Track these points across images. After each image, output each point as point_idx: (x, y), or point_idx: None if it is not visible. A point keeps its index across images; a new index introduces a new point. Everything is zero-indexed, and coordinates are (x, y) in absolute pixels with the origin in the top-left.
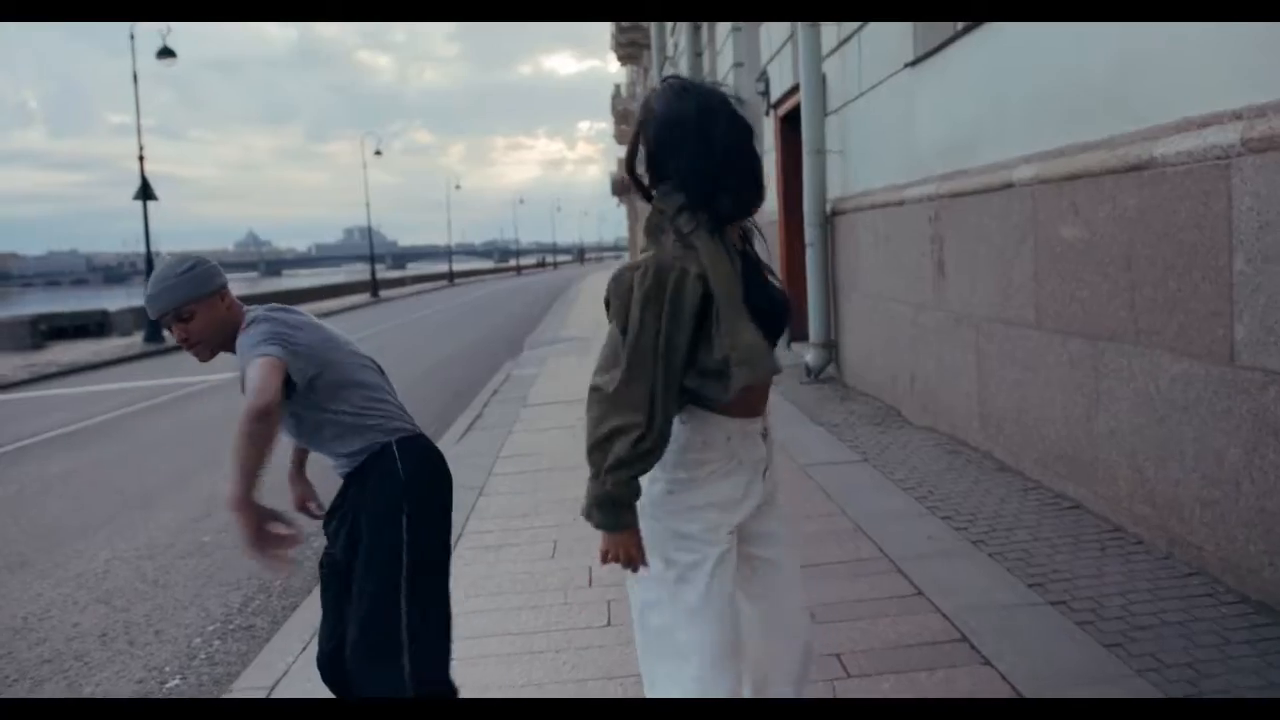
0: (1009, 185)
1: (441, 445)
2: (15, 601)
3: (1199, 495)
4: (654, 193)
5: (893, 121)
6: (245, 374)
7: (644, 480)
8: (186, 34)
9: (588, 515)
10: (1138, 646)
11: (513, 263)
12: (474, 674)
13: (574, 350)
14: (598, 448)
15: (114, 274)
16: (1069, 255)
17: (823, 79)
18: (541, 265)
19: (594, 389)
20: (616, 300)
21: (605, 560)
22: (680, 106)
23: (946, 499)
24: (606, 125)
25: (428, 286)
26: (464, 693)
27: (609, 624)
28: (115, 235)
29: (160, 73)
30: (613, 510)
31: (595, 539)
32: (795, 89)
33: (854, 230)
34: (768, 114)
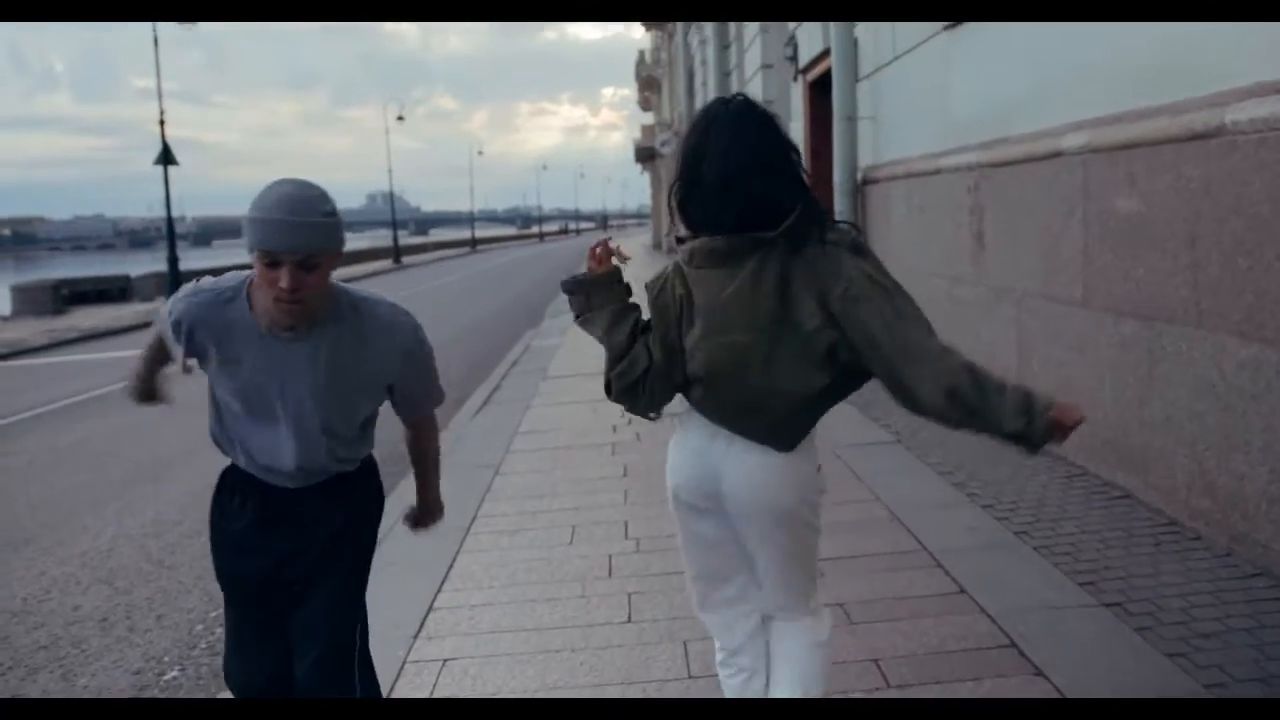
0: (1056, 154)
1: (457, 420)
2: (17, 581)
3: (1266, 490)
4: None
5: (929, 87)
6: (422, 372)
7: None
8: None
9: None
10: (1203, 657)
11: (535, 229)
12: (487, 675)
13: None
14: None
15: (139, 239)
16: (1123, 229)
17: (854, 43)
18: (564, 232)
19: None
20: None
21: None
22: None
23: (986, 485)
24: (630, 92)
25: (450, 253)
26: (477, 695)
27: (629, 620)
28: (141, 200)
29: (184, 37)
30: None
31: (615, 525)
32: (825, 54)
33: (886, 200)
34: (795, 79)
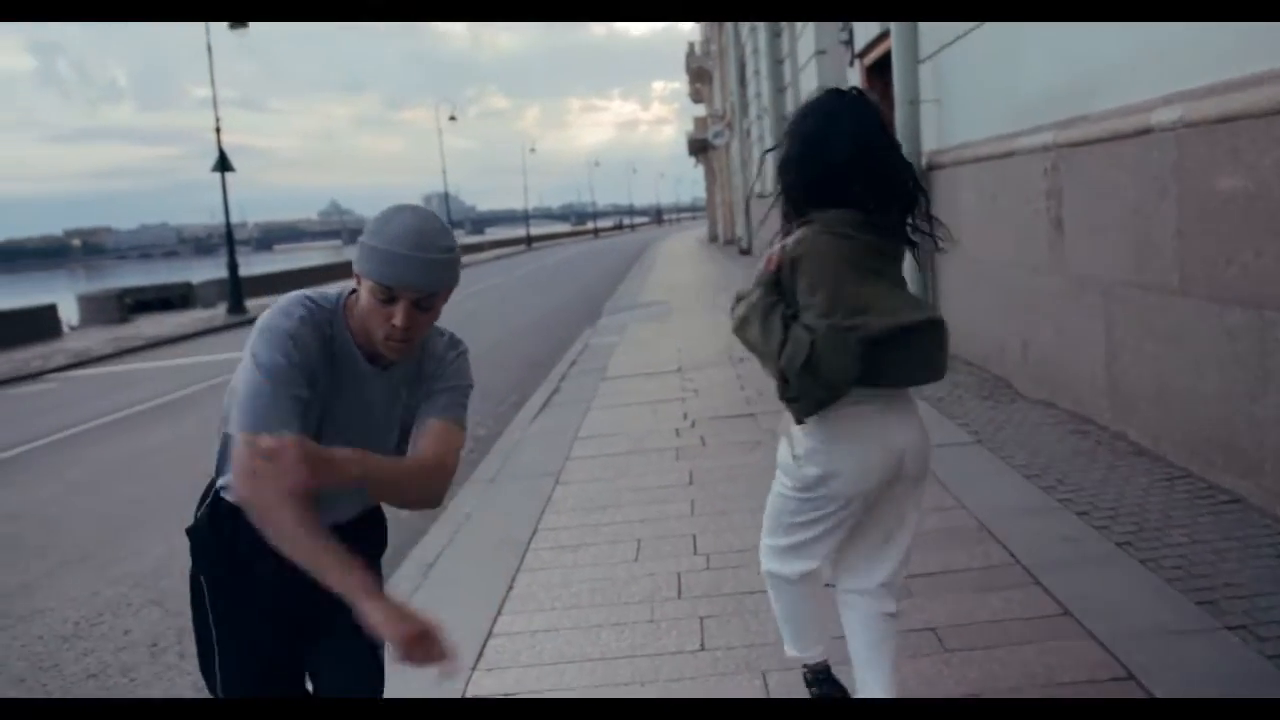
0: (1146, 130)
1: (516, 423)
2: (70, 602)
3: None
4: None
5: (997, 65)
6: (454, 414)
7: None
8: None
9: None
10: None
11: (590, 225)
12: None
13: (654, 317)
14: None
15: (203, 245)
16: (1226, 211)
17: (915, 23)
18: (618, 228)
19: None
20: None
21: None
22: None
23: (1079, 489)
24: (681, 85)
25: (505, 251)
26: None
27: (702, 647)
28: (203, 207)
29: (239, 45)
30: None
31: (683, 539)
32: (883, 36)
33: (953, 186)
34: (851, 64)
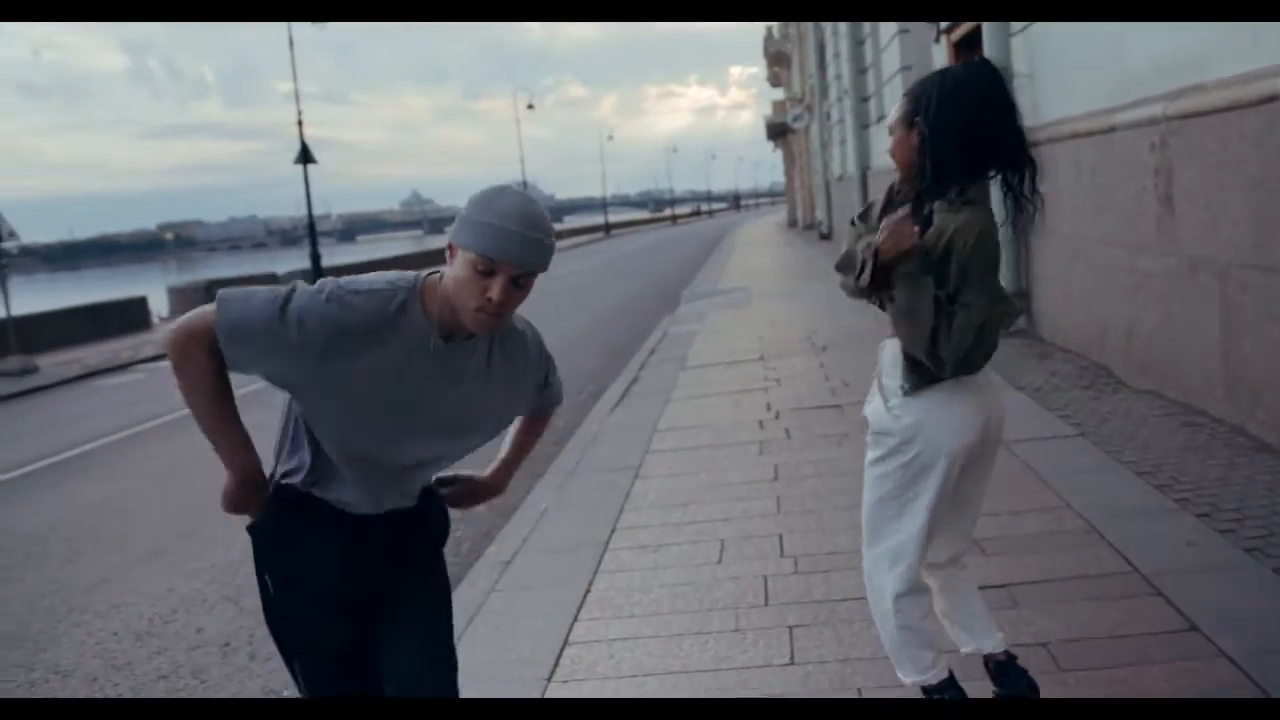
0: (1269, 99)
1: (594, 414)
2: (146, 598)
3: None
4: None
5: (1097, 36)
6: (556, 380)
7: None
8: None
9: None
10: None
11: (668, 212)
12: None
13: (734, 304)
14: None
15: (289, 237)
16: None
17: None
18: (696, 214)
19: None
20: None
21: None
22: None
23: (1197, 488)
24: (758, 69)
25: (584, 239)
26: None
27: (792, 660)
28: (289, 200)
29: (320, 40)
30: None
31: (769, 540)
32: None
33: (1050, 164)
34: (937, 40)
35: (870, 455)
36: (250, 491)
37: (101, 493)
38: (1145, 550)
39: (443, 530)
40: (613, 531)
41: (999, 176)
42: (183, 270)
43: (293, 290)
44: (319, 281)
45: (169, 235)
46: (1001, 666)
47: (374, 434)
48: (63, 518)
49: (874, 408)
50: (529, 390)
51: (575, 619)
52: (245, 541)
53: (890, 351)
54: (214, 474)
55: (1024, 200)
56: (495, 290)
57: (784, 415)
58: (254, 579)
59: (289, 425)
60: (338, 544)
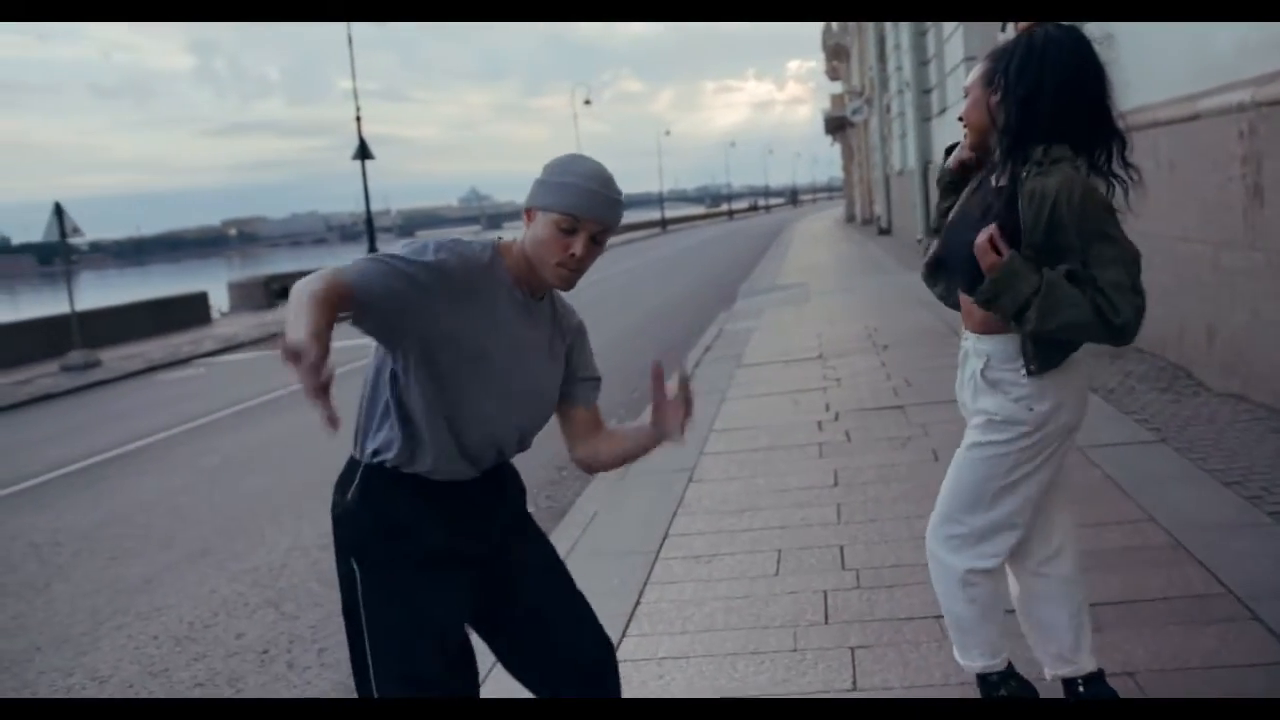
0: None
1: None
2: (189, 599)
3: None
4: None
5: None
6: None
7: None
8: None
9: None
10: None
11: (724, 207)
12: None
13: (792, 300)
14: None
15: (349, 233)
16: None
17: None
18: (754, 209)
19: None
20: None
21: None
22: None
23: None
24: (816, 63)
25: (640, 234)
26: None
27: (854, 686)
28: (349, 196)
29: (382, 37)
30: None
31: (828, 551)
32: None
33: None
34: (1004, 30)
35: (982, 438)
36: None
37: (154, 489)
38: (1237, 569)
39: (522, 488)
40: (664, 539)
41: (1084, 155)
42: (246, 265)
43: (398, 256)
44: (417, 242)
45: (233, 231)
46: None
47: (476, 386)
48: (115, 514)
49: (995, 401)
50: (567, 355)
51: (624, 634)
52: (290, 543)
53: (992, 345)
54: (262, 473)
55: (1114, 178)
56: (578, 246)
57: (844, 416)
58: (297, 583)
59: (375, 405)
60: (439, 511)
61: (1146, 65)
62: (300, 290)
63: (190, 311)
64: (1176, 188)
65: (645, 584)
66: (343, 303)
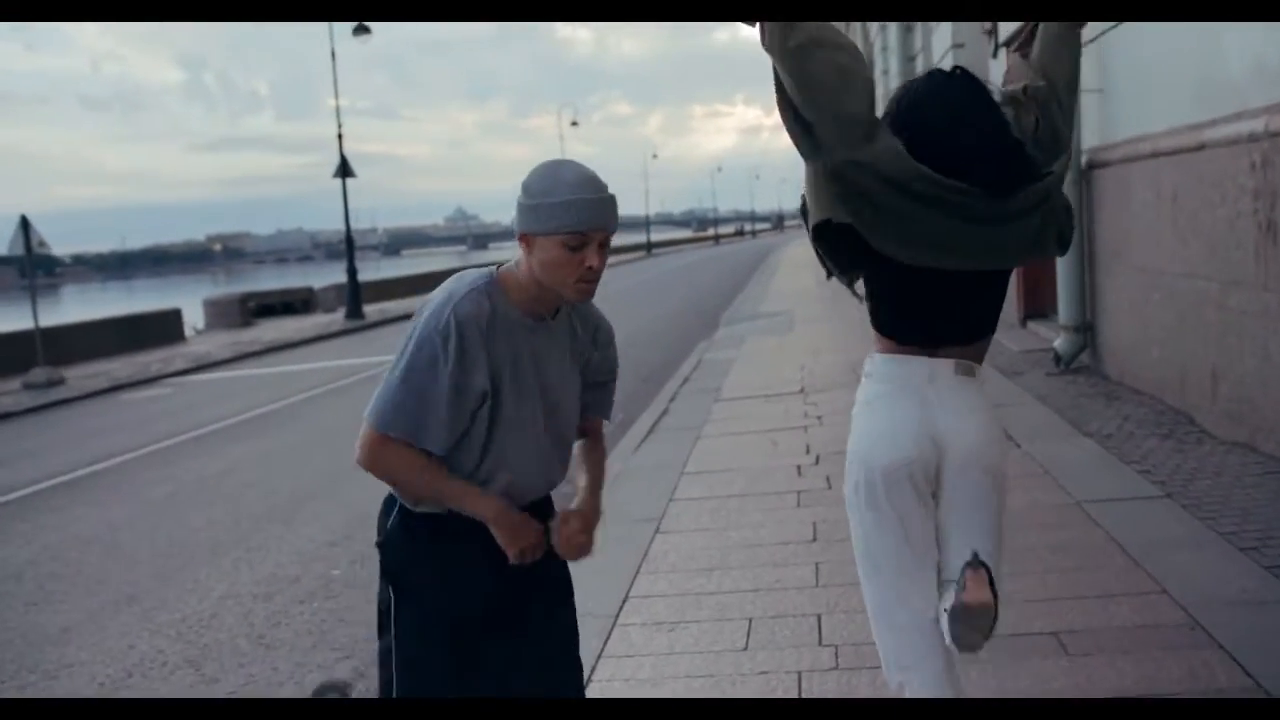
0: None
1: (618, 452)
2: (103, 655)
3: None
4: None
5: (1183, 42)
6: (615, 365)
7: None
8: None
9: None
10: None
11: (711, 232)
12: None
13: (775, 329)
14: None
15: (334, 250)
16: None
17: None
18: (740, 234)
19: None
20: None
21: None
22: None
23: None
24: None
25: (625, 258)
26: None
27: None
28: (336, 213)
29: (373, 55)
30: None
31: (804, 622)
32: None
33: (1123, 186)
34: (995, 55)
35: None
36: (509, 525)
37: (96, 522)
38: (1268, 657)
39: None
40: (624, 601)
41: None
42: (231, 281)
43: (418, 355)
44: (422, 332)
45: (217, 246)
46: None
47: (517, 422)
48: (49, 550)
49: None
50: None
51: None
52: (222, 592)
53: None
54: (213, 505)
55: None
56: (593, 259)
57: (825, 460)
58: (224, 639)
59: None
60: (485, 555)
61: (1147, 92)
62: (441, 493)
63: (163, 328)
64: (1180, 221)
65: (600, 656)
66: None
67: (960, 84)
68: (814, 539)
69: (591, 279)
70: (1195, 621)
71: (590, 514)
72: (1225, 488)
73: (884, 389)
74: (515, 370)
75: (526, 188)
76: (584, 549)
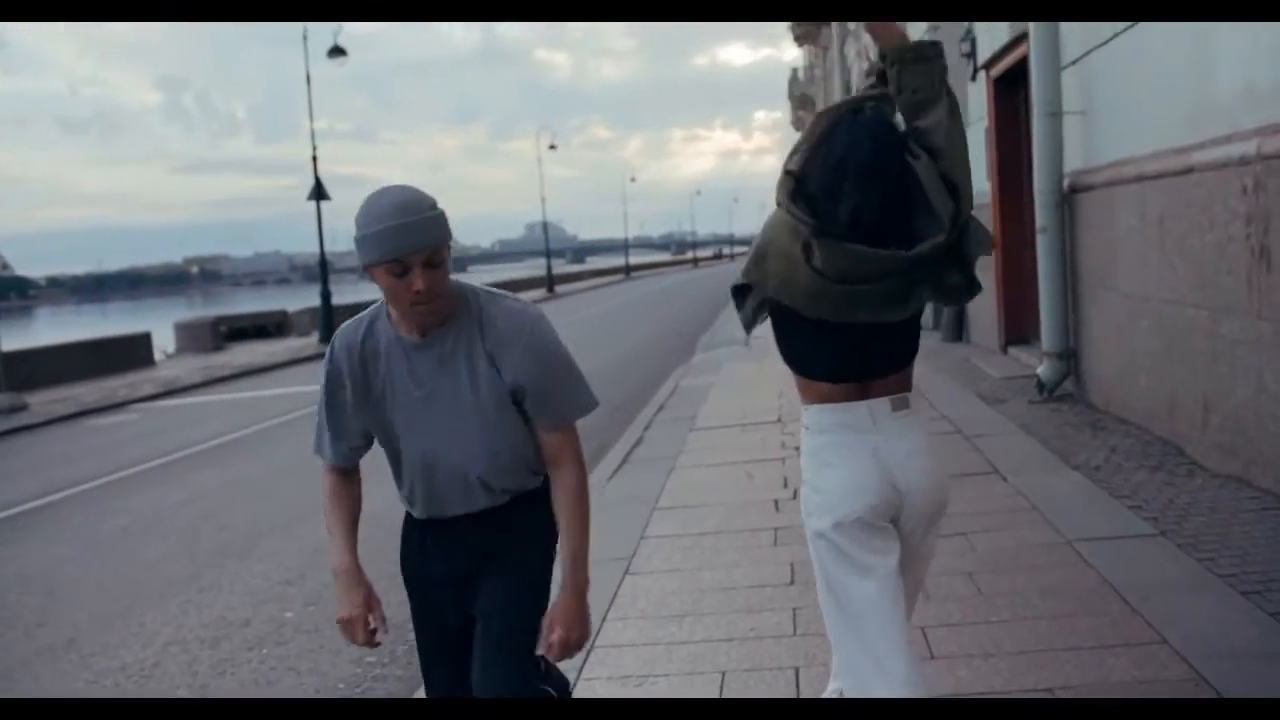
0: None
1: (592, 484)
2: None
3: None
4: None
5: (1171, 63)
6: (547, 369)
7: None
8: (377, 39)
9: None
10: None
11: (689, 255)
12: None
13: (753, 355)
14: None
15: (312, 273)
16: None
17: (1056, 24)
18: (718, 257)
19: None
20: None
21: None
22: None
23: None
24: (782, 114)
25: (604, 280)
26: None
27: None
28: (314, 235)
29: (354, 77)
30: None
31: (781, 676)
32: (1015, 43)
33: (1107, 210)
34: (974, 78)
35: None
36: (340, 588)
37: (43, 558)
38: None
39: (533, 526)
40: (590, 650)
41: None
42: (207, 304)
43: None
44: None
45: (194, 269)
46: None
47: (411, 439)
48: None
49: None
50: (511, 384)
51: None
52: (167, 638)
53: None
54: (167, 539)
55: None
56: (417, 281)
57: None
58: (164, 687)
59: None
60: (427, 548)
61: (1131, 115)
62: (328, 527)
63: (132, 352)
64: (1168, 246)
65: None
66: (342, 479)
67: (867, 130)
68: (791, 581)
69: (423, 301)
70: (1200, 676)
71: (567, 613)
72: (1221, 525)
73: (830, 440)
74: (395, 388)
75: (355, 220)
76: (575, 645)
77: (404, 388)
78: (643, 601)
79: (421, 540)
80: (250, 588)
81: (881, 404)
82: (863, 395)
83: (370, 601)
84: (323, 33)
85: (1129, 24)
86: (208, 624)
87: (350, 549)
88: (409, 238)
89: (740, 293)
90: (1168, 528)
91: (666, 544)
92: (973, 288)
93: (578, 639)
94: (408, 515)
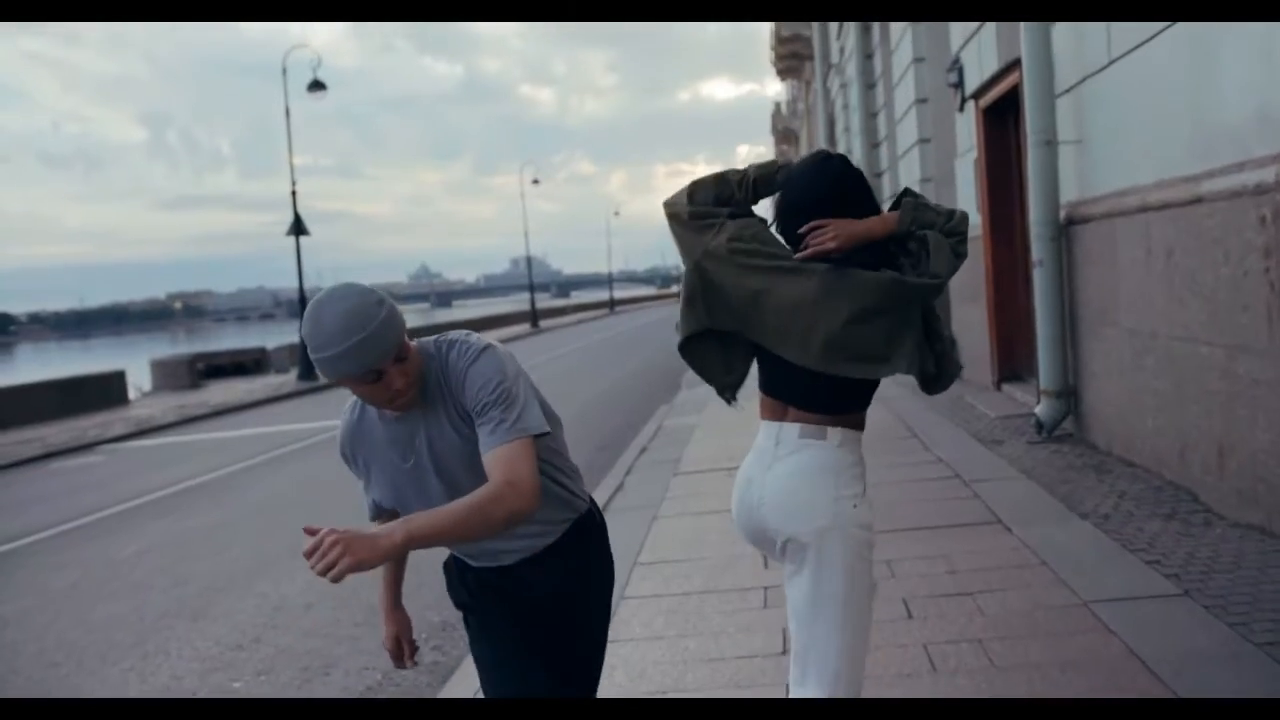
0: None
1: None
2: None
3: None
4: None
5: (1172, 88)
6: (485, 388)
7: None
8: (360, 75)
9: None
10: None
11: (674, 289)
12: None
13: (739, 393)
14: None
15: (296, 309)
16: None
17: (1049, 50)
18: None
19: None
20: None
21: None
22: None
23: None
24: (765, 148)
25: (588, 315)
26: None
27: None
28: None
29: (338, 113)
30: None
31: None
32: (1006, 70)
33: (1109, 243)
34: (961, 109)
35: (859, 584)
36: (380, 617)
37: None
38: None
39: (583, 576)
40: None
41: None
42: (191, 340)
43: None
44: None
45: (178, 305)
46: None
47: (424, 506)
48: None
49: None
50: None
51: None
52: None
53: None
54: (118, 597)
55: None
56: (394, 383)
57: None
58: None
59: None
60: (465, 591)
61: (1135, 143)
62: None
63: (106, 391)
64: (1176, 280)
65: None
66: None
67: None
68: (783, 652)
69: (404, 394)
70: None
71: (359, 541)
72: (1250, 583)
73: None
74: (383, 463)
75: (302, 333)
76: (339, 570)
77: (394, 461)
78: (620, 676)
79: (460, 583)
80: (200, 652)
81: (791, 429)
82: (779, 417)
83: (399, 636)
84: (303, 68)
85: (1125, 50)
86: (153, 691)
87: (387, 583)
88: (354, 363)
89: (689, 349)
90: (1191, 586)
91: (648, 606)
92: (942, 379)
93: (347, 566)
94: (450, 561)
